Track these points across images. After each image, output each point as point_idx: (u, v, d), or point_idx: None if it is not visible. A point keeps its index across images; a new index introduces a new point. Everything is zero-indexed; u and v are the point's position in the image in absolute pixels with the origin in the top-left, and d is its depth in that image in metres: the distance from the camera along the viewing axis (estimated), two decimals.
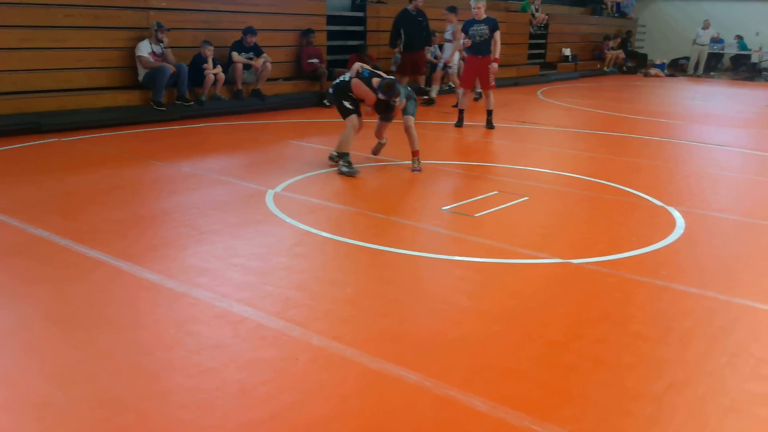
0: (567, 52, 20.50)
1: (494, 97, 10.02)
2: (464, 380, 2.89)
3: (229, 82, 10.48)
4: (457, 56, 12.32)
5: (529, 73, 18.29)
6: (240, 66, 10.48)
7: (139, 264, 4.10)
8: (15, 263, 4.13)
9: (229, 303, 3.58)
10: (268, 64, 10.80)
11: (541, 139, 9.49)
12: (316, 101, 11.53)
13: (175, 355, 3.07)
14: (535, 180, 6.76)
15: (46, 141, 7.86)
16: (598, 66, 21.52)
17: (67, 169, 6.63)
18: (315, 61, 11.88)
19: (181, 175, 6.49)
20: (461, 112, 10.17)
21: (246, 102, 10.59)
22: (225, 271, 4.05)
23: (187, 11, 10.36)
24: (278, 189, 5.99)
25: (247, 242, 4.60)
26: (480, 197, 5.95)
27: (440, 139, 9.24)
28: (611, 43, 21.58)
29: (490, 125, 9.96)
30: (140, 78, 9.61)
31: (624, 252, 4.61)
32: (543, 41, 19.56)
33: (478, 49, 9.70)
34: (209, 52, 9.95)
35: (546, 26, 19.43)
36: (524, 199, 5.93)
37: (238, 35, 10.68)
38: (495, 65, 9.71)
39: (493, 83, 9.86)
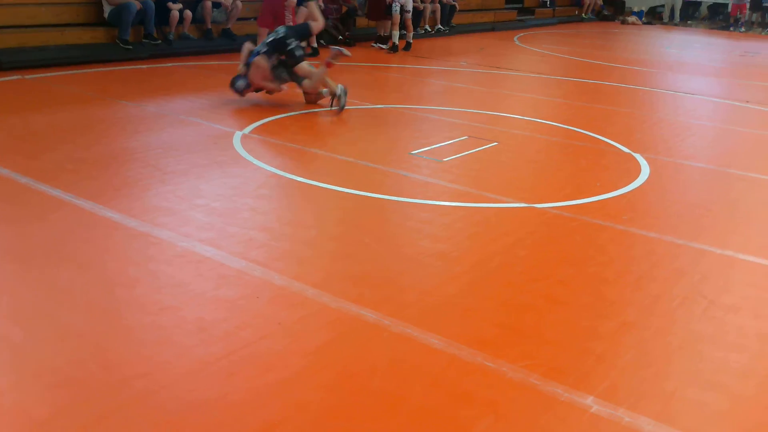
0: None
1: (466, 42, 9.87)
2: (420, 319, 2.93)
3: (199, 20, 10.20)
4: None
5: (507, 18, 18.06)
6: (209, 4, 10.19)
7: (101, 203, 4.05)
8: None
9: (191, 243, 3.57)
10: (239, 3, 10.51)
11: (515, 85, 9.45)
12: None
13: (136, 293, 3.07)
14: (506, 126, 6.76)
15: (7, 78, 7.63)
16: (576, 12, 21.32)
17: (31, 107, 6.46)
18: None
19: (147, 115, 6.36)
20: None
21: (215, 42, 10.33)
22: (188, 211, 4.02)
23: None
24: (246, 131, 5.92)
25: (212, 183, 4.56)
26: (449, 142, 5.94)
27: (410, 83, 9.15)
28: None
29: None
30: (105, 15, 9.29)
31: (588, 197, 4.66)
32: None
33: None
34: None
35: None
36: (493, 144, 5.94)
37: None
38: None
39: (290, 23, 9.12)
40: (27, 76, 7.80)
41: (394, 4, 11.57)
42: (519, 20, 18.32)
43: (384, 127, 6.49)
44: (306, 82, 6.82)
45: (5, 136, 5.42)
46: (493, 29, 16.50)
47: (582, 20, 21.09)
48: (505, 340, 2.82)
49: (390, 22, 11.84)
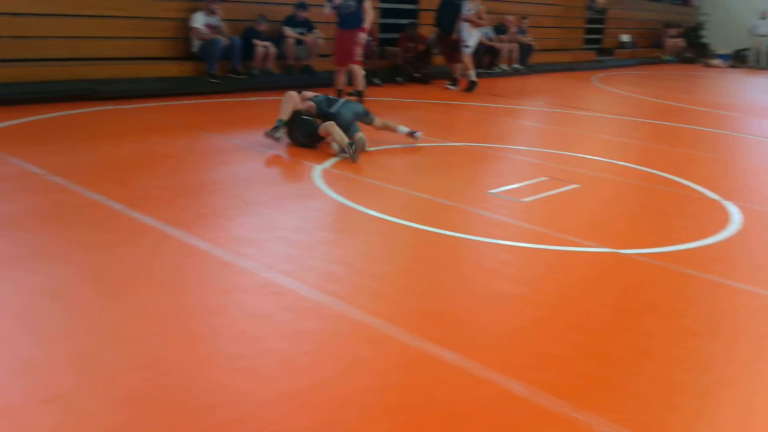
0: (625, 38, 19.99)
1: (543, 82, 9.78)
2: (503, 363, 2.87)
3: (281, 56, 10.53)
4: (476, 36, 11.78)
5: (585, 58, 17.90)
6: (291, 41, 10.51)
7: (188, 231, 4.17)
8: (70, 226, 4.25)
9: (273, 274, 3.62)
10: (320, 41, 10.80)
11: (595, 126, 9.30)
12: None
13: (220, 321, 3.12)
14: (587, 167, 6.64)
15: (101, 108, 8.03)
16: (657, 54, 20.93)
17: (122, 135, 6.77)
18: (367, 38, 11.80)
19: (231, 146, 6.56)
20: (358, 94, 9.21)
21: (297, 77, 10.62)
22: (270, 242, 4.09)
23: None
24: (326, 165, 6.02)
25: (292, 215, 4.63)
26: (528, 182, 5.87)
27: (486, 121, 9.14)
28: (671, 31, 20.95)
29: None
30: (194, 49, 9.72)
31: (675, 245, 4.50)
32: (600, 26, 19.10)
33: (345, 23, 9.09)
34: (264, 26, 9.98)
35: (604, 11, 18.96)
36: (575, 186, 5.83)
37: (291, 10, 10.71)
38: (363, 35, 9.07)
39: (358, 57, 9.08)
40: (119, 106, 8.19)
41: (462, 44, 11.44)
42: (597, 61, 18.14)
43: (461, 166, 6.48)
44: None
45: (99, 163, 5.68)
46: (570, 69, 16.37)
47: (663, 62, 20.69)
48: (593, 392, 2.72)
49: (457, 62, 11.78)
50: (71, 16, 8.72)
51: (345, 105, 6.75)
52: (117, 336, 2.93)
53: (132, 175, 5.36)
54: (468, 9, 11.49)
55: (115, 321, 3.07)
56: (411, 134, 7.05)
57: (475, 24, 11.50)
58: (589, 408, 2.58)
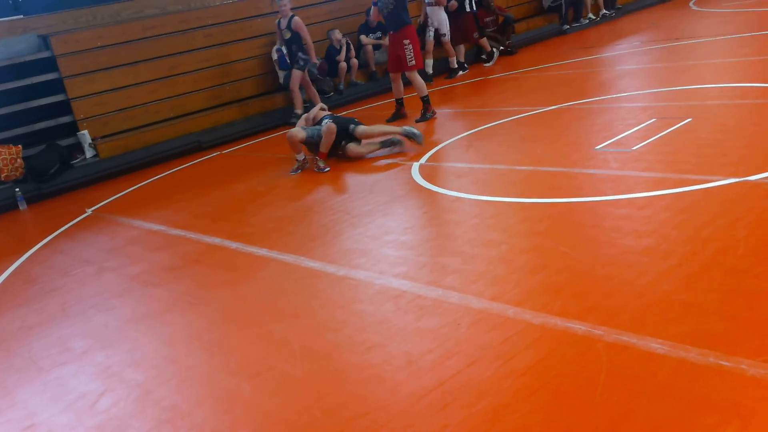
0: None
1: (635, 20, 9.20)
2: (637, 323, 2.71)
3: (363, 65, 10.62)
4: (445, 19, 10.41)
5: None
6: (369, 48, 10.59)
7: (302, 255, 4.28)
8: (195, 271, 4.49)
9: (387, 279, 3.64)
10: None
11: (700, 53, 8.65)
12: (445, 69, 11.35)
13: (343, 335, 3.17)
14: (698, 98, 6.18)
15: (206, 157, 8.46)
16: None
17: (229, 178, 7.09)
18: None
19: (331, 164, 6.68)
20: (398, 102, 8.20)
21: (381, 82, 10.66)
22: (380, 249, 4.11)
23: (311, 6, 10.63)
24: (422, 160, 5.99)
25: (397, 218, 4.64)
26: (636, 128, 5.54)
27: (582, 77, 8.74)
28: None
29: (422, 117, 7.75)
30: (281, 80, 10.01)
31: None
32: None
33: (388, 24, 7.91)
34: (338, 36, 10.11)
35: None
36: (687, 121, 5.44)
37: (362, 18, 10.79)
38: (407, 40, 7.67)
39: (412, 62, 7.73)
40: (223, 152, 8.59)
41: (428, 29, 10.38)
42: None
43: (562, 128, 6.23)
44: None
45: (212, 209, 5.97)
46: (663, 1, 15.36)
47: None
48: (738, 335, 2.50)
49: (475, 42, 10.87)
50: (166, 77, 9.26)
51: (331, 119, 6.64)
52: (251, 367, 3.05)
53: (243, 214, 5.58)
54: None
55: (245, 354, 3.20)
56: (408, 135, 6.46)
57: (440, 3, 10.31)
58: (737, 352, 2.37)
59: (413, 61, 7.71)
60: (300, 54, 9.10)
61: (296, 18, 9.06)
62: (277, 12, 9.24)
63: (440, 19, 10.38)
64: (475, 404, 2.44)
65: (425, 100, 7.81)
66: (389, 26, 7.87)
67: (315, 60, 9.16)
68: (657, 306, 2.83)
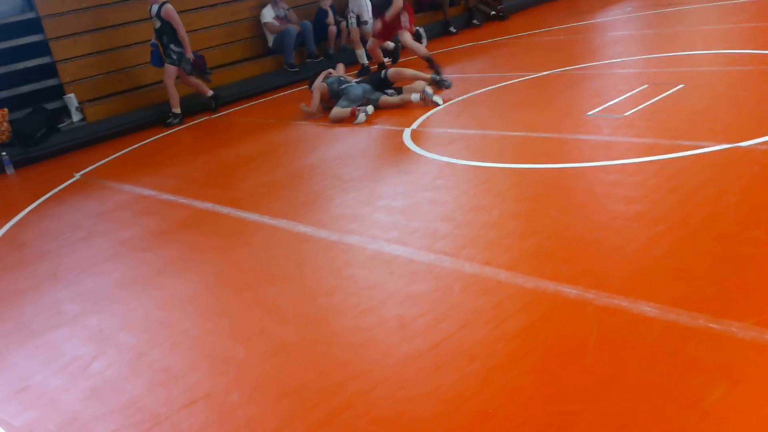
0: None
1: None
2: (628, 287, 2.73)
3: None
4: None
5: None
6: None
7: (294, 220, 4.27)
8: (186, 236, 4.48)
9: (379, 244, 3.64)
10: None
11: (691, 19, 8.62)
12: (440, 30, 11.25)
13: (336, 300, 3.19)
14: (690, 64, 6.17)
15: (195, 122, 8.37)
16: None
17: (219, 143, 7.03)
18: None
19: (320, 130, 6.64)
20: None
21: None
22: (372, 214, 4.11)
23: None
24: (414, 126, 5.96)
25: (389, 183, 4.63)
26: (627, 95, 5.53)
27: (573, 43, 8.69)
28: None
29: (437, 73, 7.39)
30: (270, 44, 9.89)
31: None
32: None
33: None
34: (328, 2, 9.96)
35: None
36: (678, 87, 5.43)
37: None
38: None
39: (405, 24, 7.79)
40: (211, 116, 8.50)
41: (349, 16, 9.72)
42: None
43: (553, 94, 6.21)
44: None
45: (201, 174, 5.93)
46: None
47: None
48: (728, 298, 2.54)
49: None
50: (148, 41, 9.07)
51: (356, 84, 6.94)
52: (242, 332, 3.06)
53: (233, 178, 5.55)
54: None
55: (239, 318, 3.21)
56: (437, 82, 6.87)
57: None
58: (727, 315, 2.40)
59: (407, 24, 7.80)
60: (172, 46, 8.00)
61: (167, 5, 7.92)
62: None
63: (360, 5, 9.67)
64: (467, 366, 2.46)
65: (429, 59, 7.67)
66: (382, 7, 7.89)
67: (189, 55, 8.09)
68: (648, 270, 2.85)
